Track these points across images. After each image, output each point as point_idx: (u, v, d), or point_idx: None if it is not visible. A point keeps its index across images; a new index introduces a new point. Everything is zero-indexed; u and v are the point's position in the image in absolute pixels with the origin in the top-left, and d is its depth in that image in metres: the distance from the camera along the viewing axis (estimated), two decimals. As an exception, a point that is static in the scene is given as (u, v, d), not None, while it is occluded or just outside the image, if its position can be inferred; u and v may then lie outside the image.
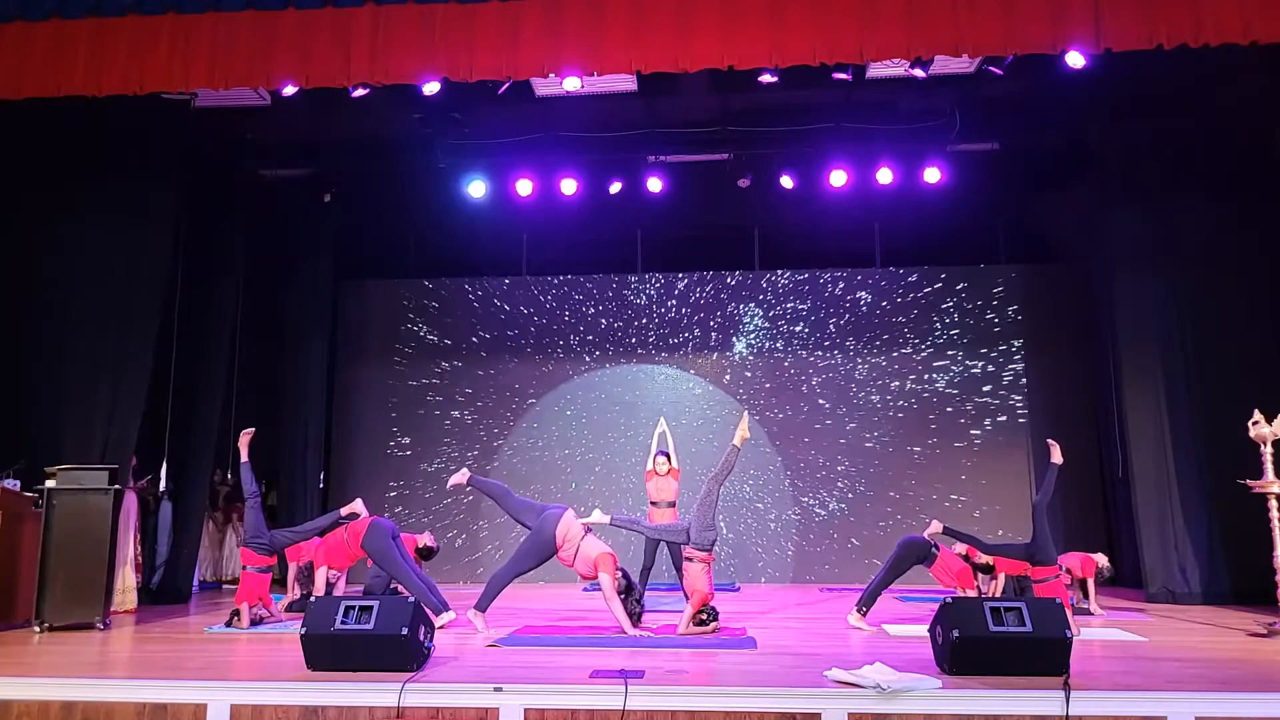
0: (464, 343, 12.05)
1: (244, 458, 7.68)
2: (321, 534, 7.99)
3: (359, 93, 8.04)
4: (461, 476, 7.24)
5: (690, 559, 7.13)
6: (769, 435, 11.43)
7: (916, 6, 6.80)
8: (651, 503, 8.70)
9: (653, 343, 11.80)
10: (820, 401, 11.51)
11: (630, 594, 7.08)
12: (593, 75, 7.26)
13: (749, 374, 11.67)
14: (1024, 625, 5.38)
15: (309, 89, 7.28)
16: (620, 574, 7.09)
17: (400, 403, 11.99)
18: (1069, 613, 5.78)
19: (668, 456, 8.71)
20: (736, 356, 11.66)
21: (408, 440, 11.90)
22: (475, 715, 5.06)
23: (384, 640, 5.70)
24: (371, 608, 5.88)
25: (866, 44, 6.79)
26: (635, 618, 7.08)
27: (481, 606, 7.09)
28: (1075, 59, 7.49)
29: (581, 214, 11.14)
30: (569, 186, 10.66)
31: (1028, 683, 5.05)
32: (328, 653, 5.73)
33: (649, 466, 8.77)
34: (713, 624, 7.06)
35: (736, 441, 7.03)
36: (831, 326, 11.67)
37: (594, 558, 6.97)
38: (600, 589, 7.06)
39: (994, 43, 6.78)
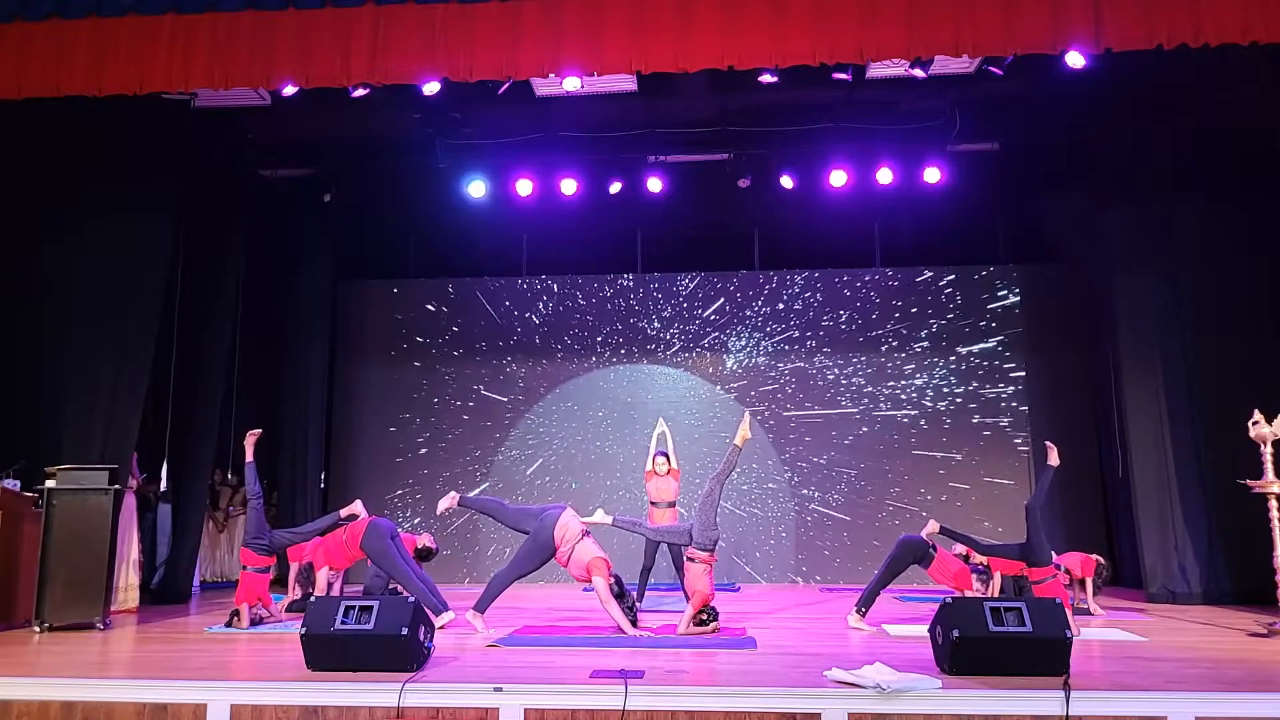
0: (464, 343, 12.04)
1: (249, 458, 7.68)
2: (322, 534, 7.98)
3: (359, 93, 8.04)
4: (450, 500, 7.08)
5: (692, 559, 7.12)
6: (769, 435, 11.42)
7: (916, 6, 6.79)
8: (651, 503, 8.69)
9: (652, 343, 11.79)
10: (820, 401, 11.51)
11: (623, 599, 7.07)
12: (592, 75, 7.25)
13: (748, 374, 11.66)
14: (1024, 625, 5.36)
15: (309, 89, 7.27)
16: (613, 579, 7.08)
17: (400, 403, 11.98)
18: (1069, 613, 5.77)
19: (667, 457, 8.71)
20: (736, 356, 11.65)
21: (407, 441, 11.89)
22: (475, 715, 5.04)
23: (384, 640, 5.68)
24: (371, 608, 5.86)
25: (866, 44, 6.78)
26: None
27: (480, 607, 7.07)
28: (1075, 59, 7.49)
29: (581, 214, 11.12)
30: (569, 186, 10.65)
31: (1028, 683, 5.03)
32: (328, 653, 5.71)
33: (648, 467, 8.75)
34: (713, 624, 7.02)
35: (738, 441, 7.02)
36: (831, 326, 11.66)
37: (587, 561, 6.95)
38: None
39: (994, 43, 6.77)
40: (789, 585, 11.06)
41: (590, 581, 6.97)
